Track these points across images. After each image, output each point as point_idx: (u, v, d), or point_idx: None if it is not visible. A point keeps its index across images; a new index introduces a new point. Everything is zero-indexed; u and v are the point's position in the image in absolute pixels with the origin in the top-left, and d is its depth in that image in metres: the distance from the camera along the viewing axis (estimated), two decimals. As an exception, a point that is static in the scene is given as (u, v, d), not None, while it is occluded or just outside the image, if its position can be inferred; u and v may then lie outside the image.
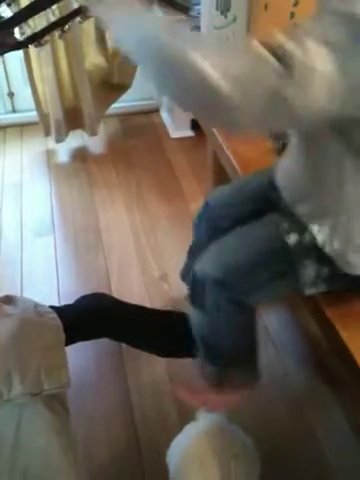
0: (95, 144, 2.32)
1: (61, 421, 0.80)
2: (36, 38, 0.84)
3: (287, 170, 0.87)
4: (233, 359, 0.93)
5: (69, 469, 0.79)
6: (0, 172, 2.15)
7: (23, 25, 0.86)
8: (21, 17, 0.76)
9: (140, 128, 2.42)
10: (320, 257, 0.81)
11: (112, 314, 1.19)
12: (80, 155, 2.28)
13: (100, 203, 1.95)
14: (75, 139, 2.31)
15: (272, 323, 1.42)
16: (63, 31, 0.90)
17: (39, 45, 0.86)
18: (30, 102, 2.16)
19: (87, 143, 2.33)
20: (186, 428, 0.96)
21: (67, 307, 1.21)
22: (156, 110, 2.52)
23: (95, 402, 1.22)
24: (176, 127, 2.37)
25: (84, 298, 1.24)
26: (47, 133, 2.25)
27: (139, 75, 2.24)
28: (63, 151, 2.28)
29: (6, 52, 0.84)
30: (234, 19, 1.05)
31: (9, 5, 0.80)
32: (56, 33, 1.04)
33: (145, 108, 2.50)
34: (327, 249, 0.80)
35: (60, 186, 2.07)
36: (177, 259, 1.38)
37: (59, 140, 2.22)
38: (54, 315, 0.97)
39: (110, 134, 2.40)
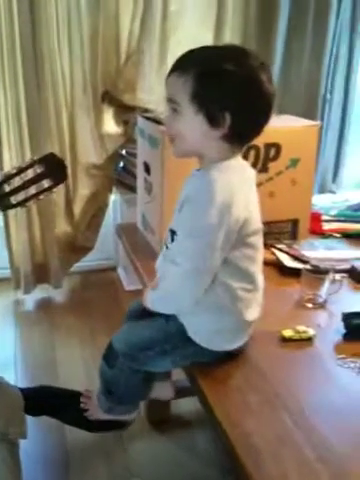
0: (58, 295, 2.70)
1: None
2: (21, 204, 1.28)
3: None
4: (122, 400, 1.33)
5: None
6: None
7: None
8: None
9: (98, 283, 2.83)
10: (189, 340, 1.14)
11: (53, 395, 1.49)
12: (44, 304, 2.63)
13: (59, 344, 2.26)
14: (41, 291, 2.68)
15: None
16: (38, 199, 1.31)
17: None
18: (1, 262, 2.59)
19: (51, 294, 2.70)
20: None
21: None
22: (113, 268, 2.95)
23: None
24: (130, 281, 2.78)
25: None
26: (17, 286, 2.62)
27: (99, 239, 2.72)
28: (30, 301, 2.64)
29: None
30: (154, 198, 1.53)
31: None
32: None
33: (104, 266, 2.94)
34: (190, 335, 1.13)
35: (24, 330, 2.39)
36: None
37: (27, 291, 2.59)
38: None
39: (72, 287, 2.79)
